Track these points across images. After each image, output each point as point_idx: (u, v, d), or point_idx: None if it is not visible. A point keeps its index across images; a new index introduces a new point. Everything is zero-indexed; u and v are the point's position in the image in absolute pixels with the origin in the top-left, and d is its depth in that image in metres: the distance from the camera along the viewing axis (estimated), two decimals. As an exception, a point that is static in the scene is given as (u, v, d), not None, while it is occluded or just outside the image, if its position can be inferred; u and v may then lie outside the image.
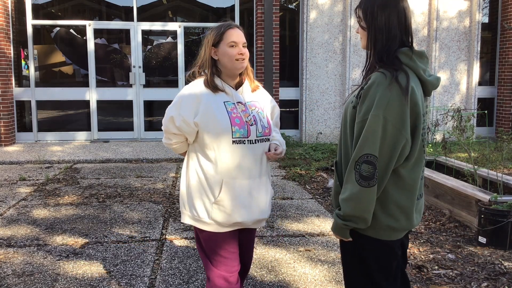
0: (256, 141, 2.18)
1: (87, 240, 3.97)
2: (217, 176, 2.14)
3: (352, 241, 1.85)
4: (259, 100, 2.30)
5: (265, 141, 2.22)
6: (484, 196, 4.05)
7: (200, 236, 2.27)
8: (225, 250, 2.21)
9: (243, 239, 2.37)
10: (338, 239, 2.25)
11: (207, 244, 2.24)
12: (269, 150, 2.24)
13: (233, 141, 2.12)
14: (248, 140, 2.15)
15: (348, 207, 1.75)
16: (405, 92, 1.68)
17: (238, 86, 2.25)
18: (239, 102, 2.19)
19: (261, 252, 3.74)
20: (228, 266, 2.22)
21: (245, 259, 2.42)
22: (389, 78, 1.69)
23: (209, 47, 2.18)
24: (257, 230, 4.22)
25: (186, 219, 2.26)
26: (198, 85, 2.19)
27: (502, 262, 3.53)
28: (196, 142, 2.20)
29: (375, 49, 1.81)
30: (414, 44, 9.33)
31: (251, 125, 2.16)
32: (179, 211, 4.57)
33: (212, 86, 2.16)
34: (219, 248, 2.22)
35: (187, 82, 2.32)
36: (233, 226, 2.20)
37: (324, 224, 4.43)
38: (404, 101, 1.68)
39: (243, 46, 2.17)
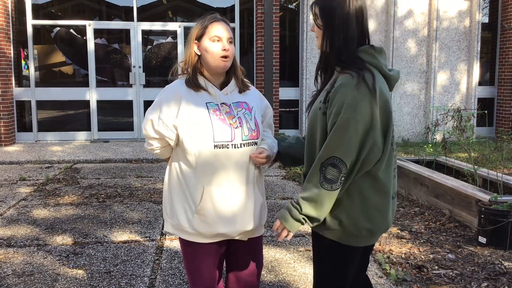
0: (242, 145, 1.97)
1: (87, 240, 3.97)
2: (198, 183, 1.97)
3: (325, 247, 1.82)
4: (248, 101, 2.09)
5: (252, 145, 2.02)
6: (484, 196, 4.05)
7: (182, 246, 2.12)
8: (204, 264, 2.06)
9: (236, 251, 2.17)
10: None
11: (187, 254, 2.10)
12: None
13: (215, 145, 1.93)
14: (232, 144, 1.95)
15: (308, 207, 1.71)
16: (373, 92, 1.64)
17: (223, 85, 2.06)
18: (223, 103, 2.00)
19: (261, 252, 3.74)
20: (204, 279, 2.07)
21: (244, 277, 2.20)
22: (356, 78, 1.65)
23: (193, 41, 2.01)
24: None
25: (169, 227, 2.11)
26: (179, 85, 2.02)
27: (502, 262, 3.53)
28: (177, 146, 2.03)
29: (333, 49, 1.74)
30: (414, 44, 9.35)
31: (235, 128, 1.97)
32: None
33: (194, 85, 1.98)
34: (198, 261, 2.06)
35: (170, 81, 2.13)
36: (216, 237, 2.03)
37: (324, 224, 4.43)
38: (373, 101, 1.64)
39: (228, 42, 1.99)
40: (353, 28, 1.73)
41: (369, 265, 3.49)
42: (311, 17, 8.65)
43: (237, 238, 2.07)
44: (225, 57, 1.97)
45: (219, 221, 1.98)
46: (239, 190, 2.01)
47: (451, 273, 3.35)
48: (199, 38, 2.00)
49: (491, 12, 10.08)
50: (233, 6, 9.31)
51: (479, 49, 9.41)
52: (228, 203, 1.99)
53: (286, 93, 9.35)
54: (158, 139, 2.04)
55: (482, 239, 3.85)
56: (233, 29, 10.66)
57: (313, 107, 1.83)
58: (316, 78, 1.91)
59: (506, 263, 3.51)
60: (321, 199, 1.70)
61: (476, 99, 9.58)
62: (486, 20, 10.10)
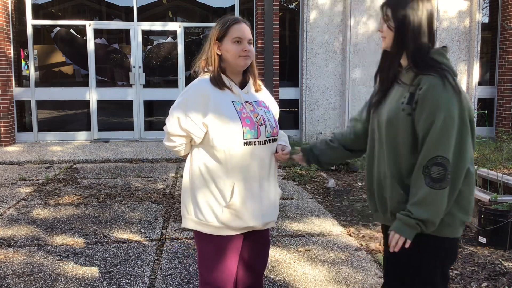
0: (266, 142, 2.09)
1: (87, 240, 3.97)
2: (228, 179, 2.03)
3: (417, 246, 1.78)
4: (264, 99, 2.22)
5: (274, 142, 2.15)
6: (484, 196, 4.05)
7: (202, 242, 2.13)
8: (228, 257, 2.10)
9: (253, 243, 2.22)
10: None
11: (210, 250, 2.10)
12: (276, 151, 2.17)
13: (245, 143, 2.01)
14: (258, 141, 2.05)
15: (419, 210, 1.72)
16: (458, 91, 1.72)
17: (242, 84, 2.15)
18: (246, 102, 2.09)
19: (261, 252, 3.74)
20: (224, 275, 2.10)
21: (256, 266, 2.26)
22: (440, 79, 1.71)
23: (214, 41, 2.08)
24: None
25: (189, 223, 2.12)
26: (204, 83, 2.05)
27: (502, 262, 3.53)
28: (201, 143, 2.07)
29: (407, 51, 1.80)
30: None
31: (260, 125, 2.07)
32: (179, 211, 4.57)
33: (220, 84, 2.04)
34: (222, 255, 2.09)
35: (190, 78, 2.21)
36: (243, 229, 2.11)
37: (324, 224, 4.43)
38: (460, 100, 1.71)
39: (248, 43, 2.07)
40: (425, 30, 1.80)
41: (369, 265, 3.49)
42: (311, 17, 8.56)
43: (262, 228, 2.18)
44: (246, 57, 2.06)
45: (249, 215, 2.06)
46: (264, 184, 2.12)
47: (451, 273, 3.35)
48: (220, 38, 2.07)
49: (491, 12, 10.08)
50: (233, 6, 9.31)
51: (479, 49, 9.41)
52: (256, 197, 2.08)
53: (286, 93, 9.35)
54: (183, 137, 2.08)
55: (482, 239, 3.85)
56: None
57: (390, 107, 1.82)
58: (376, 77, 1.96)
59: (506, 263, 3.51)
60: (430, 200, 1.71)
61: (476, 99, 9.58)
62: (486, 20, 10.10)
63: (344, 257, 3.64)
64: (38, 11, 9.04)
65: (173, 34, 9.31)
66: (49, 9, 9.32)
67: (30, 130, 9.12)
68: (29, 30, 8.89)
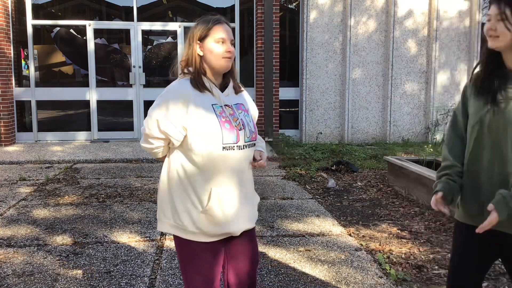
0: (244, 147, 2.03)
1: (87, 240, 3.97)
2: (205, 184, 1.98)
3: None
4: (244, 103, 2.14)
5: (252, 146, 2.08)
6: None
7: (180, 246, 2.09)
8: (206, 263, 2.05)
9: (238, 245, 2.17)
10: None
11: (186, 256, 2.06)
12: (254, 158, 2.11)
13: (223, 147, 1.96)
14: (237, 146, 2.00)
15: None
16: None
17: (223, 87, 2.09)
18: (226, 105, 2.02)
19: (261, 252, 3.73)
20: (205, 281, 2.04)
21: (246, 267, 2.20)
22: None
23: (195, 41, 2.01)
24: (255, 231, 4.21)
25: (166, 227, 2.07)
26: (184, 85, 2.00)
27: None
28: (180, 146, 2.01)
29: None
30: (414, 44, 9.35)
31: (239, 130, 2.01)
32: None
33: (200, 86, 1.98)
34: (199, 261, 2.04)
35: (171, 80, 2.17)
36: (221, 236, 2.06)
37: (324, 224, 4.43)
38: None
39: (231, 44, 2.02)
40: None
41: (369, 265, 3.49)
42: (311, 17, 8.58)
43: (237, 234, 2.12)
44: (229, 58, 2.01)
45: (226, 221, 2.01)
46: (242, 189, 2.07)
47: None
48: (202, 39, 2.01)
49: (491, 12, 10.08)
50: (233, 6, 9.31)
51: (479, 49, 9.40)
52: (233, 203, 2.04)
53: (286, 93, 9.35)
54: (161, 139, 2.02)
55: (482, 239, 3.84)
56: (233, 29, 10.65)
57: (508, 106, 1.79)
58: (486, 79, 1.89)
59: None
60: None
61: (476, 99, 9.57)
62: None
63: (344, 257, 3.64)
64: (38, 11, 9.04)
65: (173, 34, 9.31)
66: (49, 9, 9.32)
67: (30, 130, 9.12)
68: (29, 30, 8.89)
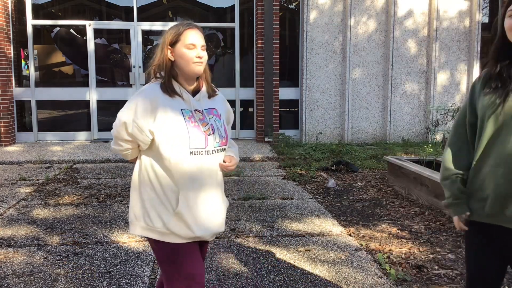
0: (214, 152, 2.06)
1: (87, 240, 3.97)
2: (174, 187, 2.01)
3: None
4: (217, 107, 2.16)
5: (222, 152, 2.11)
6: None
7: (155, 247, 2.09)
8: (184, 261, 2.05)
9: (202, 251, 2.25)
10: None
11: (163, 255, 2.07)
12: (223, 161, 2.14)
13: (191, 152, 1.98)
14: (205, 151, 2.02)
15: None
16: None
17: (195, 91, 2.10)
18: (196, 110, 2.04)
19: (261, 252, 3.74)
20: (186, 278, 2.03)
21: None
22: None
23: (167, 46, 2.03)
24: (252, 231, 4.22)
25: (138, 230, 2.08)
26: (154, 89, 2.02)
27: (502, 262, 3.53)
28: (150, 149, 2.04)
29: None
30: (414, 44, 9.35)
31: (209, 135, 2.03)
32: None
33: (169, 91, 2.01)
34: (176, 259, 2.05)
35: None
36: (191, 239, 2.07)
37: (324, 224, 4.43)
38: None
39: (202, 49, 2.04)
40: None
41: (369, 265, 3.49)
42: (311, 17, 8.58)
43: (208, 239, 2.15)
44: (200, 63, 2.03)
45: (195, 225, 2.03)
46: (212, 194, 2.09)
47: (451, 273, 3.35)
48: (173, 44, 2.03)
49: (491, 12, 10.08)
50: (233, 6, 9.31)
51: (479, 49, 9.41)
52: (203, 207, 2.06)
53: (286, 93, 9.35)
54: (130, 142, 2.06)
55: (482, 239, 3.84)
56: (233, 29, 10.62)
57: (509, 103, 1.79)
58: (498, 76, 1.87)
59: (506, 263, 3.51)
60: None
61: (476, 99, 9.57)
62: (486, 20, 10.10)
63: (344, 257, 3.64)
64: (38, 11, 9.04)
65: (173, 34, 9.30)
66: (49, 9, 9.32)
67: (30, 130, 9.13)
68: (29, 30, 8.89)
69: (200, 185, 2.04)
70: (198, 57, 2.02)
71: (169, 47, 2.03)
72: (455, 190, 1.96)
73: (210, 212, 2.09)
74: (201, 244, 2.24)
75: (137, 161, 2.13)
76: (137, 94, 2.03)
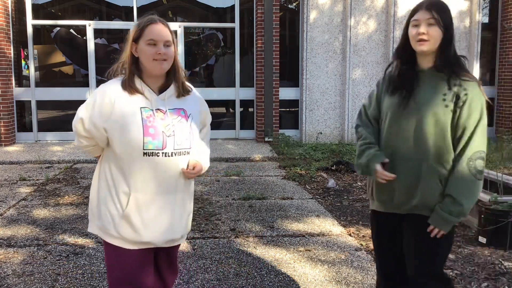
0: (173, 154, 1.94)
1: (87, 240, 3.97)
2: (125, 188, 1.93)
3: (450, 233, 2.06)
4: (187, 108, 2.02)
5: (184, 155, 1.98)
6: (484, 196, 4.05)
7: (105, 249, 2.04)
8: (131, 270, 1.98)
9: (160, 259, 2.15)
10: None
11: (112, 259, 2.01)
12: (187, 167, 2.01)
13: (144, 153, 1.89)
14: (163, 153, 1.91)
15: (470, 203, 1.97)
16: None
17: (162, 89, 1.99)
18: (158, 109, 1.94)
19: (261, 252, 3.74)
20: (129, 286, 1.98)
21: (159, 282, 2.18)
22: (478, 86, 1.97)
23: (131, 42, 1.95)
24: (252, 231, 4.22)
25: (94, 229, 2.05)
26: (114, 86, 1.95)
27: (502, 262, 3.53)
28: (109, 148, 1.98)
29: (448, 53, 1.98)
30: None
31: (168, 136, 1.92)
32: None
33: (130, 88, 1.92)
34: (123, 266, 1.98)
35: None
36: (141, 245, 1.98)
37: (324, 224, 4.43)
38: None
39: (166, 45, 1.92)
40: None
41: (369, 265, 3.49)
42: (311, 17, 8.54)
43: (162, 246, 2.04)
44: (162, 60, 1.91)
45: (145, 229, 1.94)
46: (167, 198, 1.98)
47: (451, 273, 3.35)
48: (136, 39, 1.94)
49: (491, 12, 10.08)
50: (233, 6, 9.31)
51: (479, 49, 9.41)
52: (155, 211, 1.96)
53: (286, 93, 9.34)
54: (88, 138, 2.00)
55: (482, 239, 3.85)
56: (233, 29, 10.56)
57: (431, 103, 1.97)
58: (400, 78, 2.07)
59: (506, 263, 3.51)
60: (477, 192, 1.98)
61: (476, 99, 9.57)
62: (486, 20, 10.09)
63: (344, 257, 3.64)
64: (38, 11, 9.04)
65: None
66: (49, 9, 9.32)
67: (30, 130, 9.12)
68: (29, 30, 8.89)
69: (155, 188, 1.94)
70: (159, 53, 1.89)
71: (133, 42, 1.95)
72: (372, 145, 2.17)
73: (164, 218, 1.97)
74: (160, 253, 2.13)
75: (100, 158, 2.08)
76: (97, 91, 1.97)
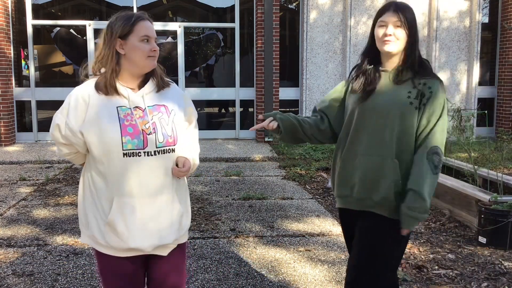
0: (156, 153, 1.84)
1: (87, 240, 3.97)
2: (108, 193, 1.84)
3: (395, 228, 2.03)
4: (167, 104, 1.93)
5: (169, 152, 1.88)
6: (484, 196, 4.05)
7: (97, 258, 1.97)
8: (120, 281, 1.92)
9: (155, 267, 1.99)
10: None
11: (103, 269, 1.95)
12: (176, 165, 1.91)
13: (124, 154, 1.79)
14: (144, 152, 1.82)
15: (430, 198, 1.96)
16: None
17: (141, 86, 1.92)
18: (136, 107, 1.86)
19: (261, 252, 3.74)
20: None
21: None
22: (440, 83, 2.02)
23: (115, 39, 1.84)
24: (252, 231, 4.22)
25: (86, 239, 1.96)
26: (87, 87, 1.86)
27: (502, 262, 3.53)
28: (89, 154, 1.89)
29: (412, 54, 2.03)
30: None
31: (148, 134, 1.83)
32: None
33: (107, 88, 1.83)
34: (115, 277, 1.92)
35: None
36: (129, 252, 1.88)
37: (324, 224, 4.43)
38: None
39: (156, 42, 1.91)
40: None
41: (369, 265, 3.49)
42: (311, 17, 8.54)
43: (153, 253, 1.93)
44: (154, 57, 1.88)
45: (129, 235, 1.84)
46: (154, 200, 1.87)
47: (451, 273, 3.35)
48: (124, 36, 1.85)
49: (491, 12, 10.08)
50: (233, 6, 9.31)
51: (479, 49, 9.41)
52: (141, 214, 1.85)
53: (286, 93, 9.34)
54: (67, 145, 1.91)
55: (482, 239, 3.85)
56: (233, 29, 10.57)
57: (395, 100, 2.01)
58: (369, 75, 2.11)
59: (506, 263, 3.51)
60: (432, 185, 1.97)
61: (476, 99, 9.58)
62: (486, 20, 10.10)
63: (344, 257, 3.64)
64: (38, 11, 9.04)
65: (173, 34, 9.31)
66: (49, 9, 9.32)
67: (30, 130, 9.12)
68: (29, 30, 8.89)
69: (139, 190, 1.84)
70: (154, 50, 1.87)
71: (119, 39, 1.85)
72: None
73: (149, 221, 1.87)
74: (157, 260, 1.98)
75: (83, 166, 1.99)
76: (71, 94, 1.88)
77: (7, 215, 4.66)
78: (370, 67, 2.12)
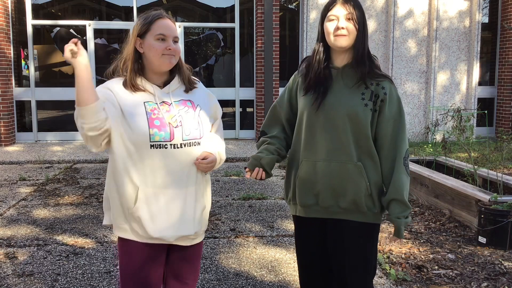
0: (182, 146, 1.88)
1: (87, 240, 3.98)
2: (132, 183, 1.87)
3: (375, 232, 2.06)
4: (193, 99, 1.98)
5: (195, 145, 1.92)
6: (484, 196, 4.05)
7: (119, 248, 1.99)
8: (141, 267, 1.94)
9: (172, 258, 2.04)
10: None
11: (121, 252, 1.97)
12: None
13: (152, 145, 1.83)
14: (171, 144, 1.86)
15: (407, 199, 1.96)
16: None
17: (166, 84, 1.96)
18: (163, 102, 1.90)
19: (261, 252, 3.74)
20: (140, 285, 1.93)
21: (178, 284, 2.07)
22: (392, 84, 1.98)
23: (135, 37, 1.88)
24: (252, 231, 4.22)
25: (107, 220, 2.02)
26: (115, 83, 1.90)
27: (502, 262, 3.53)
28: (115, 143, 1.88)
29: (364, 51, 1.95)
30: (414, 44, 9.35)
31: (175, 127, 1.87)
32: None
33: (131, 86, 1.87)
34: (134, 263, 1.94)
35: (102, 81, 1.96)
36: (151, 240, 1.92)
37: (324, 224, 4.43)
38: None
39: (174, 41, 1.89)
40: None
41: (369, 265, 3.49)
42: (311, 17, 8.53)
43: (175, 243, 1.96)
44: (170, 56, 1.88)
45: (153, 225, 1.88)
46: (178, 192, 1.91)
47: (451, 273, 3.35)
48: (142, 35, 1.88)
49: (491, 12, 10.08)
50: (233, 6, 9.31)
51: (479, 49, 9.41)
52: (165, 205, 1.89)
53: (286, 93, 9.33)
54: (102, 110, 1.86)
55: (482, 239, 3.85)
56: (233, 29, 10.57)
57: (349, 102, 1.92)
58: (314, 77, 1.99)
59: (506, 263, 3.51)
60: (407, 188, 1.97)
61: (476, 99, 9.58)
62: (486, 20, 10.10)
63: (344, 257, 3.64)
64: (38, 11, 9.04)
65: (173, 34, 9.30)
66: (49, 9, 9.32)
67: (30, 130, 9.12)
68: (29, 30, 8.89)
69: (165, 182, 1.88)
70: (169, 49, 1.86)
71: (138, 38, 1.88)
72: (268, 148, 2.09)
73: (173, 212, 1.90)
74: (175, 252, 2.04)
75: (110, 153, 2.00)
76: (101, 86, 1.91)
77: (7, 215, 4.66)
78: (322, 65, 1.99)
